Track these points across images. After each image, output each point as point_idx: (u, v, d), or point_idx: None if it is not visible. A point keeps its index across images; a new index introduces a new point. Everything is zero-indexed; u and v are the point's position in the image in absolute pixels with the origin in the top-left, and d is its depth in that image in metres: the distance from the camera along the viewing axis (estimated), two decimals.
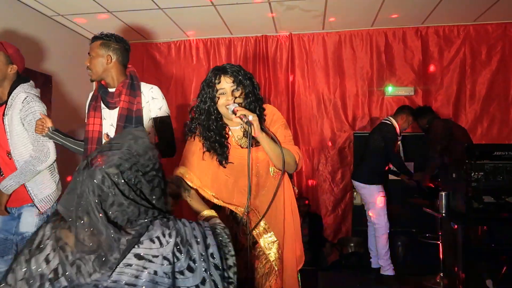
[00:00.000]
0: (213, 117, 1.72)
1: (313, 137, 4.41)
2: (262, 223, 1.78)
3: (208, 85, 1.69)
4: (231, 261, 1.20)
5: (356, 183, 3.83)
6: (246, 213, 1.69)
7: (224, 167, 1.75)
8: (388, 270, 3.60)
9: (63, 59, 3.99)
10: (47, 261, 1.02)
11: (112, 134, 2.09)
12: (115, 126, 2.09)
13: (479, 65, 4.18)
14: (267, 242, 1.79)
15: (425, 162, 3.79)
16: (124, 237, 1.01)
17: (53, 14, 3.77)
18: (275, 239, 1.79)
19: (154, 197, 1.09)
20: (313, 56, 4.43)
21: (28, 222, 2.27)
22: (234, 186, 1.77)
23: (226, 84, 1.66)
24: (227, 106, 1.65)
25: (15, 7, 3.41)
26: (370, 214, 3.73)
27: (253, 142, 1.67)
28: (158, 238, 1.04)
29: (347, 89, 4.38)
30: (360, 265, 3.95)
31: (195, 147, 1.80)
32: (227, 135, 1.77)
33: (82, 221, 1.00)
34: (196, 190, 1.74)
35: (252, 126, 1.57)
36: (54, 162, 2.32)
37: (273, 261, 1.77)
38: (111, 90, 2.14)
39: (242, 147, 1.76)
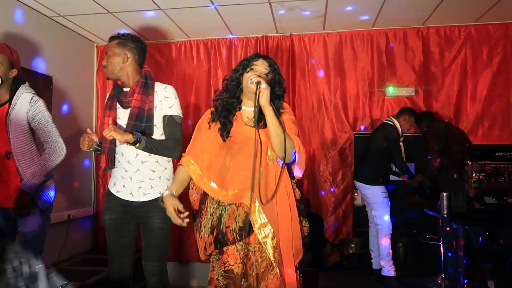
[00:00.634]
0: (234, 83, 1.88)
1: (314, 138, 4.40)
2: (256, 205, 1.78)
3: (247, 59, 1.89)
4: None
5: (359, 184, 3.82)
6: (251, 194, 1.72)
7: (224, 140, 1.85)
8: (389, 271, 3.59)
9: (63, 60, 3.99)
10: None
11: None
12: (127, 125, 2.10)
13: (481, 66, 4.16)
14: (260, 225, 1.77)
15: (426, 163, 3.78)
16: None
17: (53, 15, 3.77)
18: (270, 228, 1.77)
19: None
20: (314, 57, 4.43)
21: (31, 221, 2.27)
22: (230, 162, 1.83)
23: (262, 65, 1.85)
24: (251, 78, 1.76)
25: (15, 7, 3.41)
26: (373, 214, 3.72)
27: (261, 124, 1.79)
28: None
29: (347, 89, 4.37)
30: (361, 266, 3.94)
31: (205, 117, 1.97)
32: (238, 108, 1.91)
33: None
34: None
35: (260, 87, 1.68)
36: None
37: (269, 252, 1.74)
38: (126, 89, 2.15)
39: (247, 125, 1.86)
